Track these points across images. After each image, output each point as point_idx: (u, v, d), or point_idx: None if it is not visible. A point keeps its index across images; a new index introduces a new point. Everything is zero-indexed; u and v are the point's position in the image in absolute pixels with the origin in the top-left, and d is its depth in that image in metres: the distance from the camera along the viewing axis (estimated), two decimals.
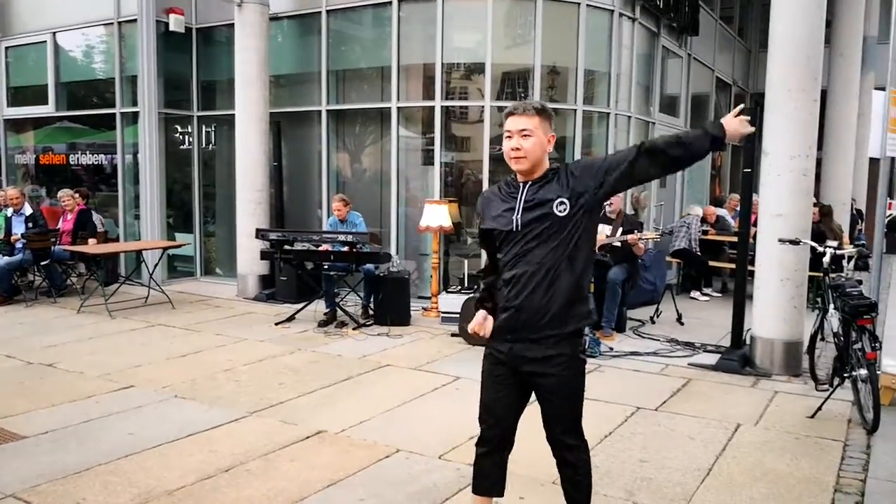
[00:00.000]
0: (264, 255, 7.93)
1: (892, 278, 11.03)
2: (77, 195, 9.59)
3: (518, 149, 2.57)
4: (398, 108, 8.89)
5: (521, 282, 2.56)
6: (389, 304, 7.57)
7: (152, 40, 9.74)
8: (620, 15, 8.93)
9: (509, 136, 2.60)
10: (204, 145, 10.63)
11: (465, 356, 6.43)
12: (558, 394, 2.64)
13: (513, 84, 9.24)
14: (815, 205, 8.23)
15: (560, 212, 2.52)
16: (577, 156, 8.59)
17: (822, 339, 6.07)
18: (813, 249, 5.62)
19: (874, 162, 9.22)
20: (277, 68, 9.84)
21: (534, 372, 2.63)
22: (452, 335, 7.11)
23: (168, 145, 10.43)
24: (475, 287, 7.98)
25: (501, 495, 2.85)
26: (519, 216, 2.57)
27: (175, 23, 9.84)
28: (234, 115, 9.28)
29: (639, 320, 7.95)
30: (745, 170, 6.20)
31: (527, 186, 2.61)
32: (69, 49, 11.17)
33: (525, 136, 2.57)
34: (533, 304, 2.55)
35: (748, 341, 6.19)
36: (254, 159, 9.14)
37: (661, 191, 10.43)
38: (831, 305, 5.09)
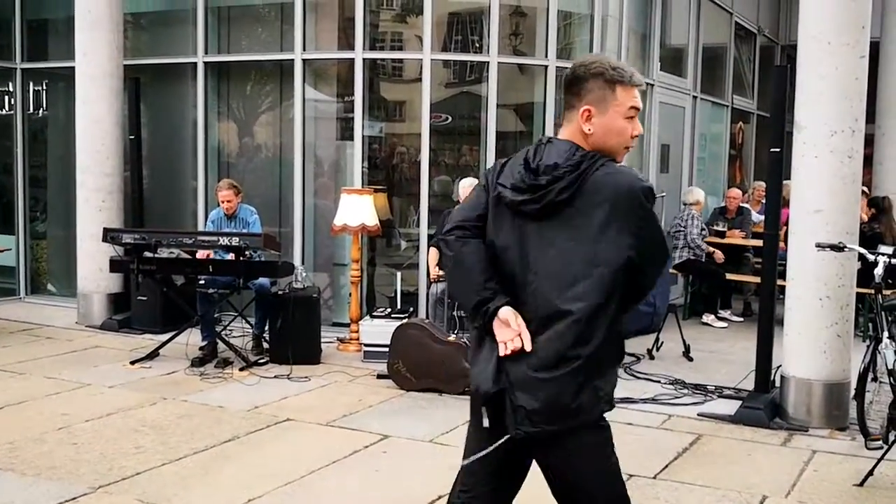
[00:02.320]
0: (116, 265, 7.77)
1: None
2: None
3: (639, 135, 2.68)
4: (304, 60, 8.86)
5: None
6: (292, 335, 7.51)
7: None
8: None
9: (632, 117, 2.62)
10: (31, 110, 10.45)
11: (397, 406, 6.38)
12: None
13: (462, 29, 9.29)
14: (864, 196, 8.43)
15: None
16: (549, 128, 8.67)
17: (875, 378, 6.19)
18: (862, 258, 5.75)
19: None
20: (136, 4, 9.72)
21: None
22: (379, 376, 7.08)
23: None
24: (409, 310, 7.99)
25: None
26: None
27: None
28: (73, 68, 9.13)
29: (633, 355, 8.05)
30: (773, 149, 6.31)
31: None
32: None
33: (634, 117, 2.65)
34: None
35: (778, 383, 6.29)
36: (102, 131, 8.99)
37: (661, 176, 10.57)
38: (885, 333, 5.20)
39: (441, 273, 7.65)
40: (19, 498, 4.53)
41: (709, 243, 10.03)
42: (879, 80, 12.11)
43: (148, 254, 7.52)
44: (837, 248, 5.57)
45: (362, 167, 8.77)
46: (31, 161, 10.47)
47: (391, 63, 9.46)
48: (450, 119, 9.24)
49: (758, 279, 8.90)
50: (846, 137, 5.88)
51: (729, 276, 9.97)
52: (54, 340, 8.40)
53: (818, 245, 5.65)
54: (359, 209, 7.94)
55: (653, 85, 10.26)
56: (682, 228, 9.72)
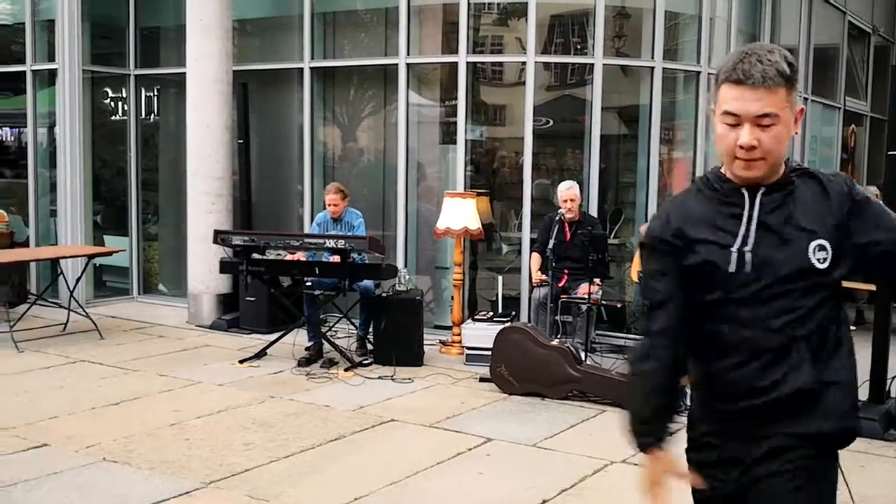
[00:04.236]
0: (225, 266, 7.98)
1: None
2: None
3: (755, 147, 2.14)
4: (408, 64, 8.90)
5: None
6: (395, 337, 7.59)
7: None
8: None
9: (735, 124, 2.16)
10: (143, 115, 10.70)
11: (500, 409, 6.41)
12: None
13: (565, 32, 9.24)
14: None
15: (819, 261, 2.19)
16: (655, 131, 8.57)
17: None
18: None
19: None
20: (244, 11, 9.90)
21: None
22: (481, 380, 7.11)
23: (95, 115, 10.50)
24: (511, 314, 7.99)
25: None
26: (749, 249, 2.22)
27: None
28: (184, 74, 9.35)
29: None
30: (890, 152, 6.15)
31: (758, 197, 2.23)
32: None
33: (767, 124, 2.13)
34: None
35: (893, 394, 6.13)
36: (212, 136, 9.19)
37: None
38: None
39: (544, 277, 7.65)
40: (135, 491, 4.70)
41: None
42: None
43: (256, 256, 7.69)
44: None
45: (465, 171, 8.78)
46: (143, 165, 10.69)
47: (493, 66, 9.48)
48: (552, 122, 9.21)
49: (872, 287, 8.65)
50: None
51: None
52: (166, 339, 8.65)
53: None
54: (461, 213, 7.97)
55: None
56: None
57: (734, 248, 2.21)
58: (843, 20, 12.51)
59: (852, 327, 8.61)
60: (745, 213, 2.22)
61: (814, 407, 2.20)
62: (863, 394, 6.49)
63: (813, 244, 2.16)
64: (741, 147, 2.15)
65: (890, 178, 6.23)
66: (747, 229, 2.21)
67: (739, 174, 2.21)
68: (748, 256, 2.19)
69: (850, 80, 13.00)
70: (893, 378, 6.15)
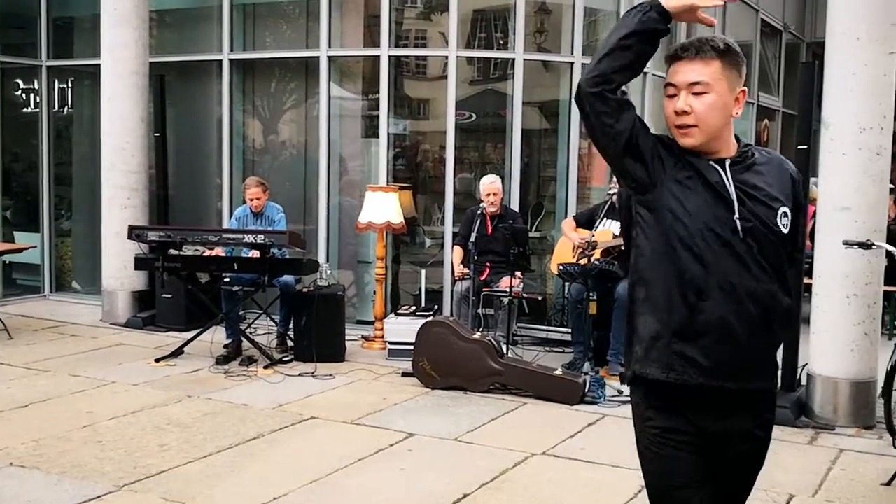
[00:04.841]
0: (140, 263, 7.81)
1: None
2: None
3: (686, 112, 2.38)
4: (329, 57, 8.87)
5: None
6: (316, 333, 7.52)
7: None
8: None
9: (673, 95, 2.42)
10: (56, 108, 10.50)
11: (422, 404, 6.39)
12: None
13: (487, 27, 9.28)
14: (892, 194, 8.37)
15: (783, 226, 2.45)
16: (574, 125, 8.65)
17: None
18: (889, 256, 5.72)
19: None
20: (162, 2, 9.77)
21: None
22: (403, 374, 7.09)
23: (6, 108, 10.34)
24: (434, 308, 7.99)
25: None
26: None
27: None
28: (98, 65, 9.18)
29: None
30: (800, 146, 6.29)
31: (728, 167, 2.43)
32: None
33: (699, 92, 2.38)
34: None
35: (804, 381, 6.27)
36: (127, 128, 9.03)
37: None
38: None
39: (466, 271, 7.66)
40: (44, 496, 4.56)
41: None
42: None
43: (173, 251, 7.56)
44: (865, 245, 5.54)
45: (387, 165, 8.77)
46: (56, 159, 10.50)
47: (416, 60, 9.47)
48: (474, 116, 9.24)
49: None
50: (874, 134, 5.87)
51: None
52: (79, 338, 8.45)
53: (846, 242, 5.62)
54: (384, 207, 7.94)
55: None
56: None
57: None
58: (756, 18, 12.77)
59: None
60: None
61: None
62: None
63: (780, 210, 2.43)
64: (675, 113, 2.39)
65: (800, 171, 6.36)
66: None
67: (680, 143, 2.42)
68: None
69: (764, 77, 13.30)
70: (804, 366, 6.27)
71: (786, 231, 2.42)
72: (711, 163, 2.41)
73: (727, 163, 2.41)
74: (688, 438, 2.43)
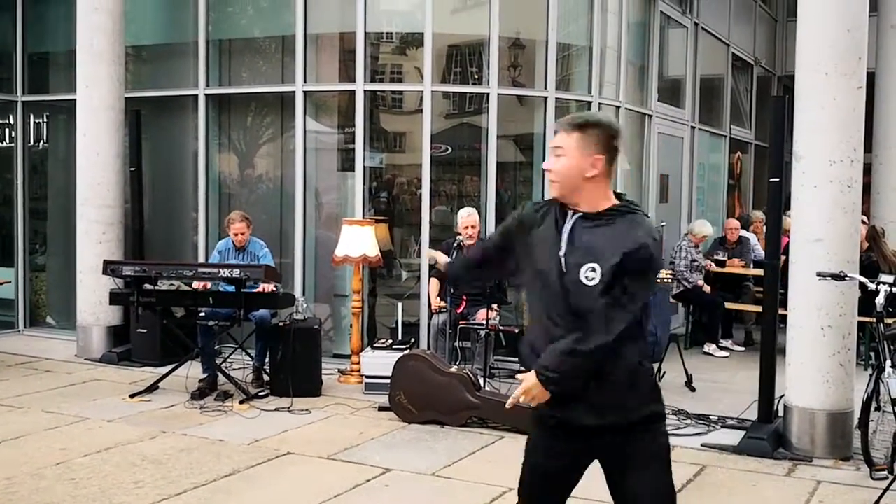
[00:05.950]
0: (115, 297, 7.76)
1: None
2: None
3: (549, 169, 2.97)
4: (305, 92, 8.88)
5: None
6: (293, 367, 7.47)
7: None
8: None
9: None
10: (32, 142, 10.45)
11: (399, 438, 6.34)
12: None
13: (462, 62, 9.33)
14: (864, 226, 8.44)
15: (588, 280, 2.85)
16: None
17: (878, 408, 6.17)
18: (863, 287, 5.74)
19: None
20: (137, 36, 9.75)
21: None
22: (380, 408, 7.04)
23: None
24: (411, 341, 7.96)
25: None
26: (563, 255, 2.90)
27: None
28: (74, 100, 9.15)
29: None
30: (772, 179, 6.33)
31: (575, 219, 2.93)
32: None
33: (558, 154, 2.94)
34: None
35: (781, 413, 6.26)
36: (103, 163, 8.99)
37: (661, 206, 10.58)
38: (888, 362, 5.19)
39: (442, 304, 7.63)
40: None
41: (709, 272, 10.04)
42: (875, 111, 12.17)
43: (148, 286, 7.51)
44: (838, 277, 5.58)
45: (364, 198, 8.77)
46: (31, 193, 10.45)
47: (391, 95, 9.49)
48: (450, 150, 9.26)
49: (758, 308, 8.89)
50: (845, 167, 5.92)
51: (729, 306, 9.98)
52: (53, 374, 8.36)
53: (819, 274, 5.66)
54: (360, 240, 7.92)
55: (651, 115, 10.28)
56: (673, 259, 9.76)
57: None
58: (728, 52, 12.93)
59: (741, 348, 8.87)
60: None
61: None
62: (752, 413, 6.65)
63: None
64: (543, 169, 3.06)
65: (771, 204, 6.40)
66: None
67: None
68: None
69: (736, 110, 13.44)
70: (781, 397, 6.27)
71: (590, 284, 2.82)
72: (569, 212, 2.93)
73: (577, 215, 2.92)
74: None
